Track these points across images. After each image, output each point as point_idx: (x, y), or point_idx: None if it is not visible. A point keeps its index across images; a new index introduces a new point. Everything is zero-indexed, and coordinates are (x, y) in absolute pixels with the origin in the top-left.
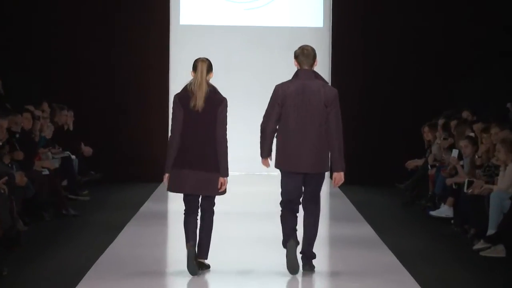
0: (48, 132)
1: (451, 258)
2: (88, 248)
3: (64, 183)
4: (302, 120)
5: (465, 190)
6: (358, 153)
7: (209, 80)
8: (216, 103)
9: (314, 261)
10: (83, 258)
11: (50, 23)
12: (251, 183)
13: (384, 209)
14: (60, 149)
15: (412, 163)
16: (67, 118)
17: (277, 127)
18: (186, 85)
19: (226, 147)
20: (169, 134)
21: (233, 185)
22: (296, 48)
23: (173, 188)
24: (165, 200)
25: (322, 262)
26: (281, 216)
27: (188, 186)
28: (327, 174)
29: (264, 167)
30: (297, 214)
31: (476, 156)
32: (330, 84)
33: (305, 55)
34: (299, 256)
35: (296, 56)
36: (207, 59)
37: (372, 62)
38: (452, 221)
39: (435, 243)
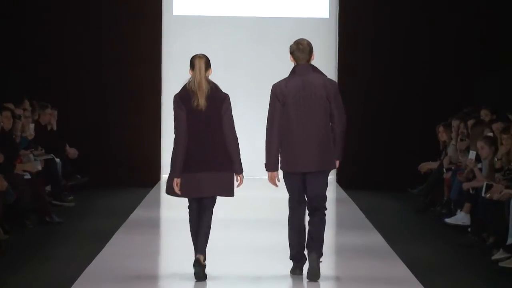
0: (29, 133)
1: (468, 269)
2: (74, 258)
3: (48, 188)
4: (305, 117)
5: (483, 195)
6: (367, 155)
7: (208, 76)
8: (219, 101)
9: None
10: (68, 269)
11: (33, 13)
12: (251, 187)
13: (395, 216)
14: (43, 151)
15: (425, 166)
16: (50, 117)
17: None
18: (185, 84)
19: (238, 144)
20: (163, 134)
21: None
22: None
23: (184, 193)
24: (156, 206)
25: (328, 272)
26: (289, 217)
27: (200, 190)
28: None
29: (272, 185)
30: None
31: (496, 159)
32: (336, 79)
33: (300, 50)
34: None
35: (292, 52)
36: (204, 55)
37: (381, 56)
38: (469, 229)
39: (451, 252)
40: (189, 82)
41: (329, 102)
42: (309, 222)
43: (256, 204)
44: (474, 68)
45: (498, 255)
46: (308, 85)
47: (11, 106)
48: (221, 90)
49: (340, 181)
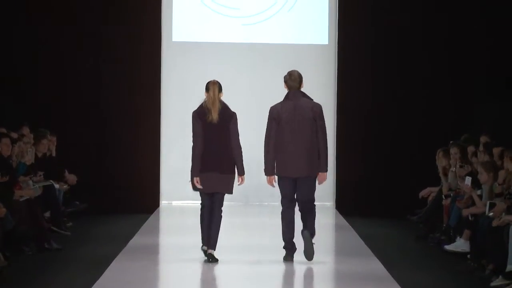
0: (28, 158)
1: None
2: (73, 284)
3: (47, 214)
4: (295, 133)
5: (486, 213)
6: (366, 181)
7: (220, 98)
8: (227, 117)
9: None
10: None
11: (33, 39)
12: (246, 214)
13: (395, 243)
14: (42, 176)
15: (430, 195)
16: (49, 143)
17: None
18: (202, 103)
19: (241, 152)
20: (162, 160)
21: (228, 216)
22: (300, 66)
23: (197, 188)
24: (155, 233)
25: None
26: (281, 212)
27: (210, 186)
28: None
29: (270, 186)
30: (294, 210)
31: (496, 184)
32: (335, 105)
33: (292, 79)
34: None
35: (285, 81)
36: (217, 81)
37: (380, 82)
38: (469, 256)
39: (450, 279)
40: (204, 101)
41: (315, 121)
42: (301, 216)
43: (251, 231)
44: (474, 94)
45: (497, 282)
46: (299, 107)
47: (2, 130)
48: (230, 109)
49: (339, 208)
